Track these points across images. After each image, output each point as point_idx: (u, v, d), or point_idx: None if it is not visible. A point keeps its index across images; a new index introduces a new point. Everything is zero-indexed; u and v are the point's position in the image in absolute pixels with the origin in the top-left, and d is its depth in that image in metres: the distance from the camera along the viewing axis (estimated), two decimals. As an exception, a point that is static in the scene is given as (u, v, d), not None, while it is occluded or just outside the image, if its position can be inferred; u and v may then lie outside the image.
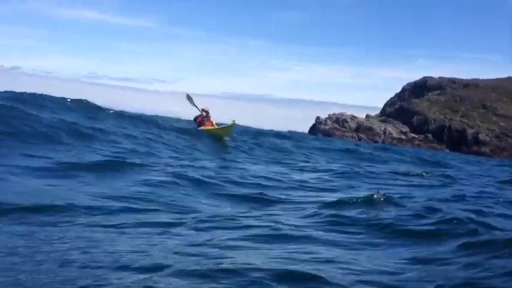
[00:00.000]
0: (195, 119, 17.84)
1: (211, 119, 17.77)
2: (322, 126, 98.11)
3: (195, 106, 18.01)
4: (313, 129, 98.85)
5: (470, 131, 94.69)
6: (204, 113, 17.63)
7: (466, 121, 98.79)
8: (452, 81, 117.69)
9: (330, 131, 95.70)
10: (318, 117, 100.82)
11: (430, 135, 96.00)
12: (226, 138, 16.55)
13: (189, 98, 18.49)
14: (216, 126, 17.42)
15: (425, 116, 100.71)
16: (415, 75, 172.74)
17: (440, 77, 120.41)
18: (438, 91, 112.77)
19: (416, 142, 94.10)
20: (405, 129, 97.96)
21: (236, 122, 16.61)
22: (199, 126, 17.46)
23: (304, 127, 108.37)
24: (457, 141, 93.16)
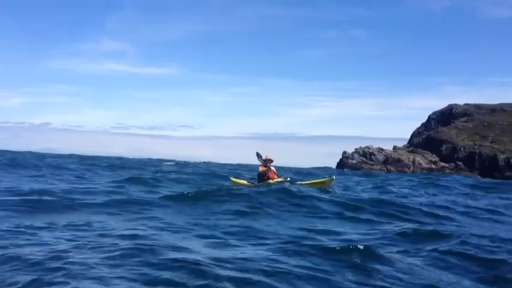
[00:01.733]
0: (258, 173, 14.77)
1: (273, 168, 14.84)
2: (350, 161, 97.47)
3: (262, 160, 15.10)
4: (341, 164, 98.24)
5: (501, 156, 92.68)
6: (263, 162, 14.72)
7: (496, 146, 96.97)
8: (479, 107, 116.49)
9: (357, 165, 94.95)
10: (344, 152, 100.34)
11: (460, 163, 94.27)
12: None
13: (259, 155, 15.05)
14: (276, 177, 14.40)
15: (454, 144, 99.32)
16: (440, 103, 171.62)
17: (466, 104, 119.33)
18: (465, 118, 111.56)
19: (447, 171, 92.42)
20: (434, 158, 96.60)
21: (334, 177, 14.47)
22: (260, 180, 14.37)
23: (331, 162, 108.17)
24: (489, 167, 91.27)
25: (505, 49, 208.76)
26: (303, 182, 14.61)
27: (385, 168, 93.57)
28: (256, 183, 14.45)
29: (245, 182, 15.33)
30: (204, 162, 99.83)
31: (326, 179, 14.73)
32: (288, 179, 14.76)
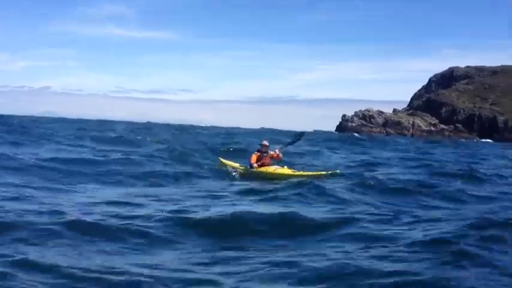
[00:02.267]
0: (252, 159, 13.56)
1: (273, 151, 13.62)
2: (349, 124, 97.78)
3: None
4: (340, 128, 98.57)
5: (501, 118, 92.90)
6: (263, 149, 13.59)
7: (496, 108, 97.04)
8: (480, 69, 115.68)
9: (357, 128, 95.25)
10: (344, 115, 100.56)
11: (460, 125, 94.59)
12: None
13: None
14: (279, 166, 13.21)
15: (454, 107, 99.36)
16: (442, 66, 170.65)
17: (467, 66, 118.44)
18: (466, 80, 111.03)
19: (447, 133, 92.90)
20: (434, 121, 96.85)
21: (339, 171, 12.87)
22: (252, 166, 13.30)
23: (330, 126, 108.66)
24: (488, 129, 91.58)
25: (507, 11, 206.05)
26: (300, 173, 12.91)
27: (385, 131, 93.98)
28: (249, 168, 13.44)
29: (237, 165, 14.32)
30: (206, 127, 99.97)
31: (330, 171, 12.85)
32: (286, 167, 13.29)
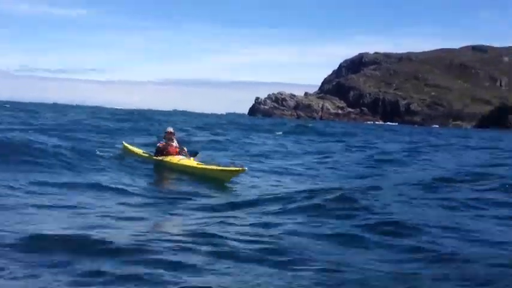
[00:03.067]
0: (157, 147, 12.86)
1: (175, 142, 12.93)
2: (262, 107, 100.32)
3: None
4: (253, 110, 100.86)
5: (402, 102, 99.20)
6: (168, 136, 12.92)
7: (399, 93, 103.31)
8: (387, 55, 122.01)
9: (269, 110, 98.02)
10: (257, 98, 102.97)
11: (365, 109, 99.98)
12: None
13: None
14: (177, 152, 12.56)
15: (361, 91, 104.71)
16: (354, 52, 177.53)
17: (376, 53, 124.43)
18: (374, 66, 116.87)
19: (353, 116, 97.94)
20: (342, 104, 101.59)
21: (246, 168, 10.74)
22: (159, 153, 12.77)
23: (244, 108, 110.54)
24: (391, 112, 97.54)
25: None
26: (204, 166, 11.75)
27: (296, 114, 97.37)
28: (153, 156, 12.97)
29: (140, 151, 13.90)
30: (117, 109, 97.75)
31: (235, 168, 10.96)
32: (192, 159, 12.44)
